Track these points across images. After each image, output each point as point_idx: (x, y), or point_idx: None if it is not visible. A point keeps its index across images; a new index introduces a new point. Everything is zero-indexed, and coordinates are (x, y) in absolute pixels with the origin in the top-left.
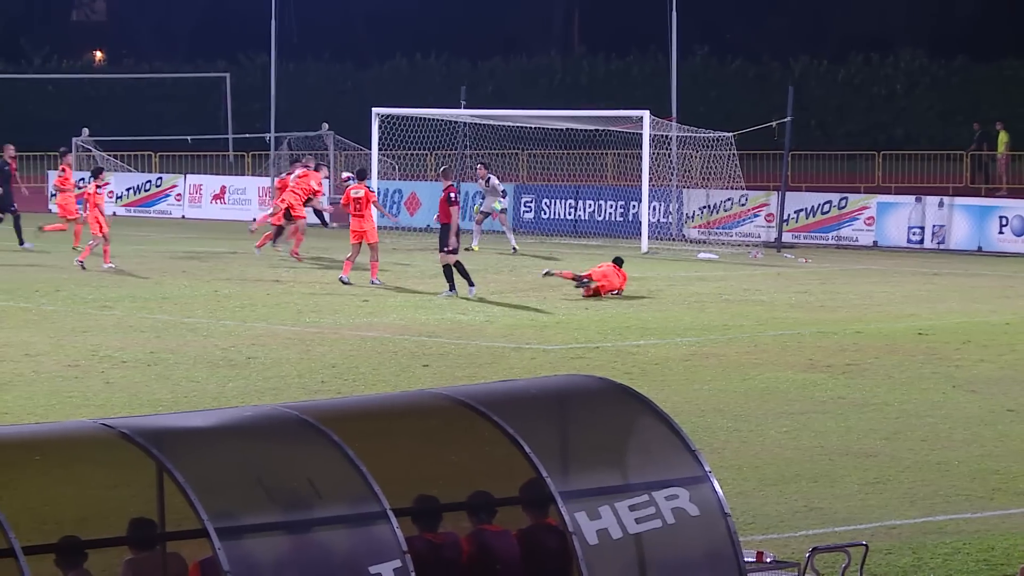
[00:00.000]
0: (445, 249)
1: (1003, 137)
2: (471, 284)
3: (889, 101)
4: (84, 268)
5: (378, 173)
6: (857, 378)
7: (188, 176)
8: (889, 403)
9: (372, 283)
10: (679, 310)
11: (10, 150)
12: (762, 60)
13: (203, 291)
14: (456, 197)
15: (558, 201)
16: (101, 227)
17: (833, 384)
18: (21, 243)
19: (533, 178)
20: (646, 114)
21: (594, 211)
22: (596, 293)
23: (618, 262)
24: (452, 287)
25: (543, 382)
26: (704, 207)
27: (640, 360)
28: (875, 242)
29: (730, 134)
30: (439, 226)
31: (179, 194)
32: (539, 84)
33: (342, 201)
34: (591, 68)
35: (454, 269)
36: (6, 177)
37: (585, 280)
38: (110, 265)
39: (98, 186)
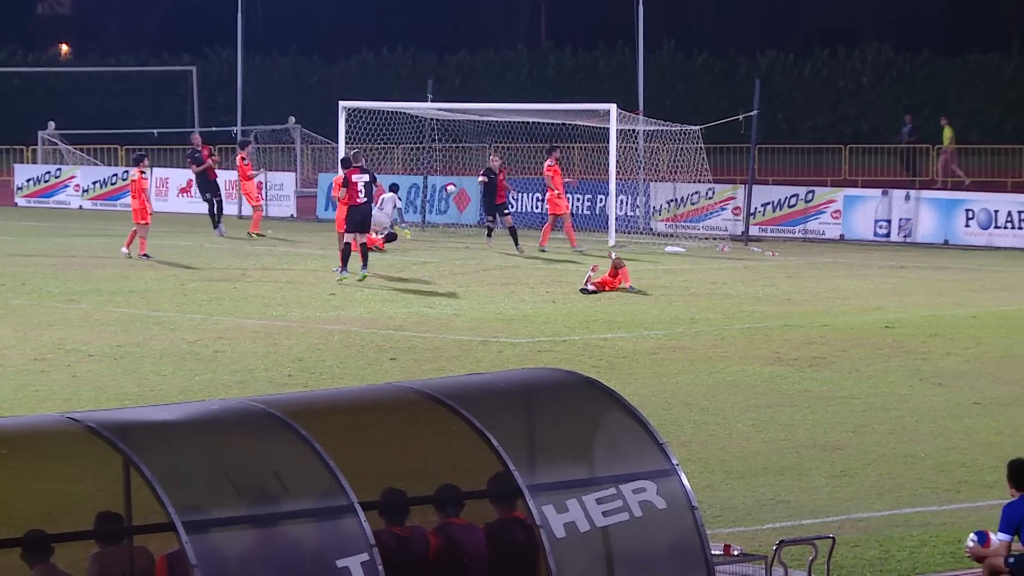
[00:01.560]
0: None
1: (947, 132)
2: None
3: (855, 95)
4: (149, 257)
5: None
6: (824, 371)
7: (154, 170)
8: (856, 396)
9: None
10: (646, 303)
11: (196, 139)
12: (728, 54)
13: (170, 285)
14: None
15: (525, 195)
16: (146, 215)
17: (800, 377)
18: (216, 226)
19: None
20: (613, 108)
21: None
22: (601, 288)
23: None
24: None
25: (510, 375)
26: (671, 200)
27: (607, 353)
28: (842, 235)
29: (697, 128)
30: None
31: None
32: (506, 78)
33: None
34: (558, 62)
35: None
36: (199, 164)
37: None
38: (144, 255)
39: (141, 172)
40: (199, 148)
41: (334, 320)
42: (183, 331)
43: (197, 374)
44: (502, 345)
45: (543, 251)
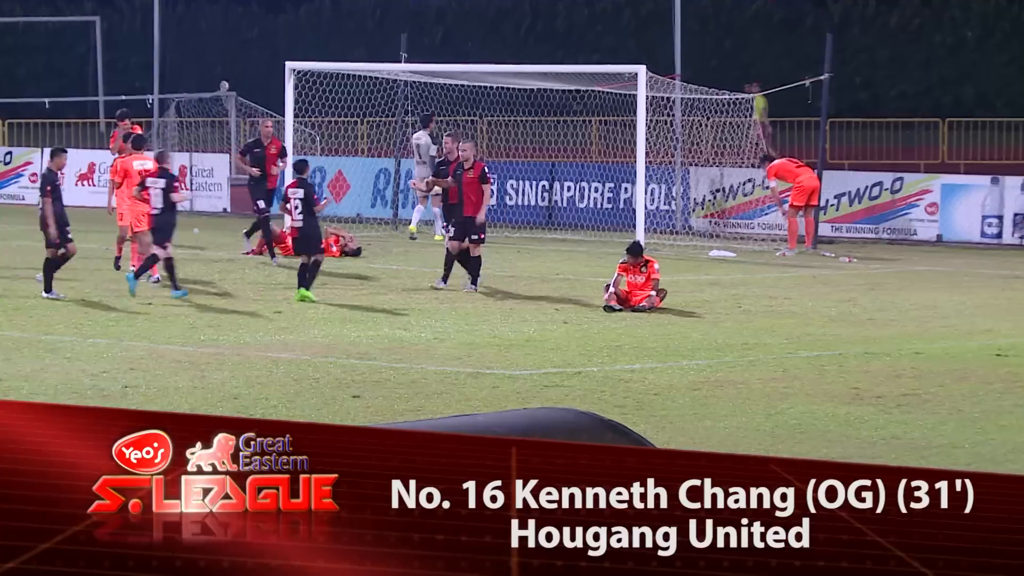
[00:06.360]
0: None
1: (760, 103)
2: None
3: (956, 53)
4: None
5: (294, 146)
6: (916, 412)
7: (46, 150)
8: (958, 444)
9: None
10: (685, 324)
11: (268, 125)
12: (791, 0)
13: (66, 300)
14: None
15: (528, 183)
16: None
17: (885, 420)
18: (272, 256)
19: (495, 153)
20: (642, 70)
21: (575, 195)
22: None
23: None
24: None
25: (509, 417)
26: (717, 191)
27: (635, 389)
28: (939, 236)
29: (750, 96)
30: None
31: (34, 174)
32: (502, 31)
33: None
34: (570, 11)
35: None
36: (259, 161)
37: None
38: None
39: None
40: (268, 139)
41: (280, 346)
42: (84, 360)
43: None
44: (498, 378)
45: (812, 250)
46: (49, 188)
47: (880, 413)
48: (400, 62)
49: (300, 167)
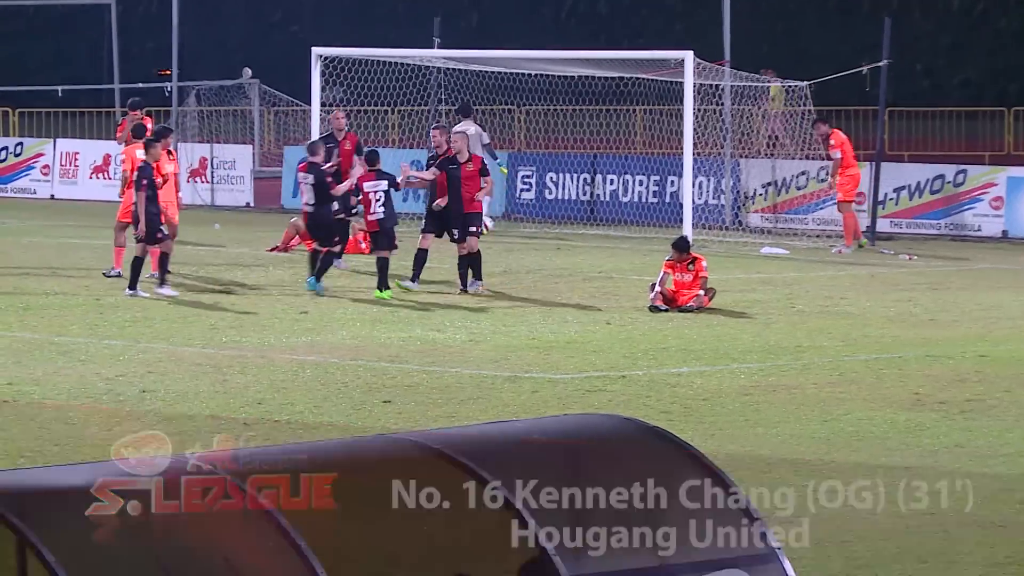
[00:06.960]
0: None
1: (775, 90)
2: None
3: (1022, 39)
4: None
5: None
6: (981, 419)
7: (59, 141)
8: None
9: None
10: (735, 325)
11: (339, 119)
12: None
13: (81, 299)
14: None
15: (568, 175)
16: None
17: (948, 428)
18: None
19: (534, 144)
20: (689, 56)
21: (618, 189)
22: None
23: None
24: None
25: (549, 424)
26: (769, 184)
27: (683, 394)
28: (1004, 231)
29: (804, 83)
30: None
31: (47, 166)
32: (541, 15)
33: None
34: None
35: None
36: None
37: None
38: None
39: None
40: (341, 133)
41: (306, 348)
42: (99, 363)
43: (118, 422)
44: (537, 382)
45: (861, 247)
46: (145, 183)
47: (942, 420)
48: (433, 47)
49: (373, 158)
